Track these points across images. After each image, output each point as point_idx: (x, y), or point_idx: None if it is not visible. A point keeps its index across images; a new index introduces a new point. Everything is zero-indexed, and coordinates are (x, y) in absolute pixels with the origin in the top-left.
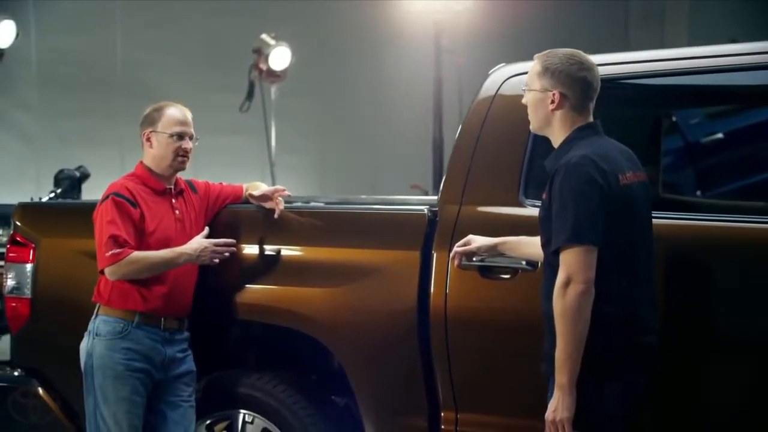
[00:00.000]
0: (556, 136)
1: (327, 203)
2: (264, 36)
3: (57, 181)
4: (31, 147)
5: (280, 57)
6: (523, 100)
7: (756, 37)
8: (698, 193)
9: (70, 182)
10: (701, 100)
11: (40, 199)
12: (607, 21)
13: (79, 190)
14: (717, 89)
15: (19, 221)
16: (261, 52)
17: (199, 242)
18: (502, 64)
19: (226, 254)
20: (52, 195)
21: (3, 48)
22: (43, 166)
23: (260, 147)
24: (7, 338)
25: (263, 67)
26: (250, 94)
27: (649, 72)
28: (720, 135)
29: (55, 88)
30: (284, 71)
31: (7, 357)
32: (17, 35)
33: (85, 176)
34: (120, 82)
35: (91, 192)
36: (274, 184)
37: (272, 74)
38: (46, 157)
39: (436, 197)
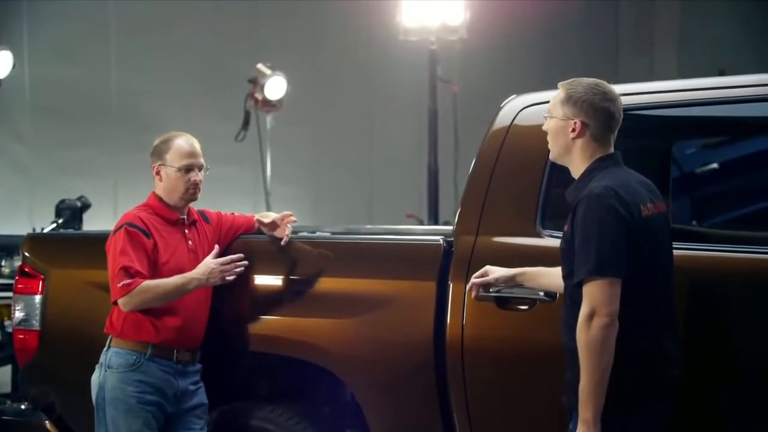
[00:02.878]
0: (576, 166)
1: (333, 233)
2: (260, 66)
3: (58, 211)
4: (25, 177)
5: (275, 87)
6: (544, 127)
7: (743, 66)
8: (693, 222)
9: (71, 212)
10: (707, 131)
11: (42, 229)
12: (598, 49)
13: (81, 220)
14: (719, 120)
15: (27, 252)
16: (257, 82)
17: (205, 264)
18: (514, 96)
19: (237, 270)
20: (54, 225)
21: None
22: (37, 197)
23: (255, 176)
24: (4, 370)
25: (259, 96)
26: (245, 124)
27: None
28: (715, 165)
29: (49, 118)
30: (280, 101)
31: (6, 389)
32: (14, 65)
33: (86, 206)
34: (115, 111)
35: (87, 221)
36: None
37: (268, 104)
38: (40, 188)
39: (433, 227)
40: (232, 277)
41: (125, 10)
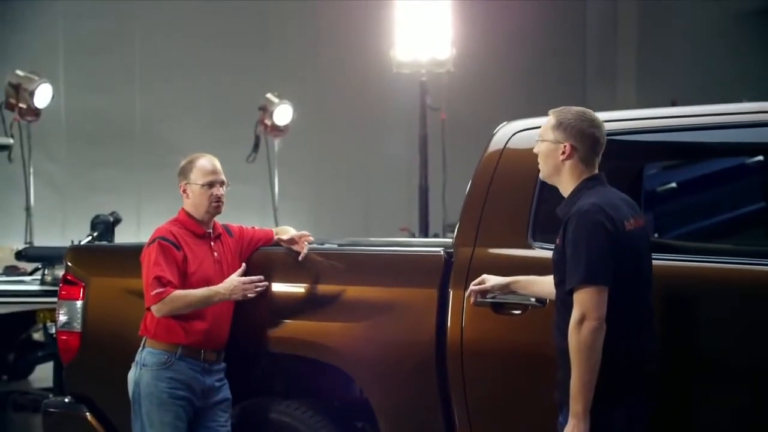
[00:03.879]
0: (565, 185)
1: (340, 245)
2: (269, 95)
3: (93, 226)
4: (59, 195)
5: (283, 114)
6: (535, 150)
7: (691, 97)
8: (656, 235)
9: (104, 226)
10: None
11: (79, 242)
12: (567, 82)
13: (113, 233)
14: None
15: (70, 262)
16: (266, 109)
17: (230, 281)
18: (505, 122)
19: (258, 289)
20: (89, 238)
21: (40, 108)
22: (70, 211)
23: (265, 194)
24: (44, 367)
25: (268, 122)
26: (256, 147)
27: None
28: (674, 184)
29: (81, 142)
30: (287, 126)
31: (48, 384)
32: (53, 97)
33: (117, 221)
34: (139, 136)
35: (116, 234)
36: (277, 226)
37: (276, 129)
38: (72, 204)
39: (434, 239)
40: (252, 295)
41: (149, 47)
